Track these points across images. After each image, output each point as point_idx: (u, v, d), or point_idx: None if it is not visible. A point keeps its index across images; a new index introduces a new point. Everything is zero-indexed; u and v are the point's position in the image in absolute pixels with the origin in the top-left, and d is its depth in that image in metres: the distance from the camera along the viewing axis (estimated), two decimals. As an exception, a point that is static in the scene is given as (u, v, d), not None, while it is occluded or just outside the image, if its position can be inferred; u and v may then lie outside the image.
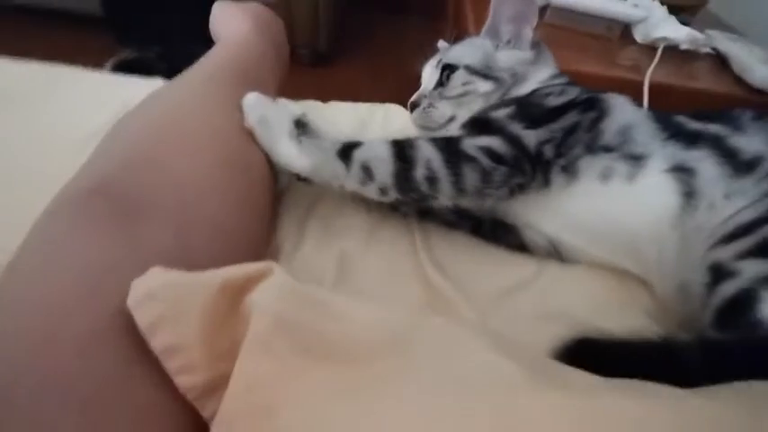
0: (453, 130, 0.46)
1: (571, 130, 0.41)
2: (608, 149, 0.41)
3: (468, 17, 0.82)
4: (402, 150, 0.37)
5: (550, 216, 0.43)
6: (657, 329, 0.37)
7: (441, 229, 0.45)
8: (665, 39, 0.77)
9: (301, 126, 0.39)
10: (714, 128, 0.41)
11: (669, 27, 0.78)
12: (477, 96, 0.47)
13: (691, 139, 0.40)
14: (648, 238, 0.40)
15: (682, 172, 0.39)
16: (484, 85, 0.47)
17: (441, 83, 0.49)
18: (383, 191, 0.37)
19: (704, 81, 0.73)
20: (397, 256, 0.41)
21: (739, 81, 0.74)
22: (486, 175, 0.37)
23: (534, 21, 0.48)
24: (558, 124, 0.42)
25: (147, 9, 0.95)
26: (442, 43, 0.56)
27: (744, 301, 0.31)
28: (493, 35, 0.50)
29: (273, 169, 0.40)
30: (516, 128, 0.41)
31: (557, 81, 0.48)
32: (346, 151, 0.38)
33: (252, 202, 0.36)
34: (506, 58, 0.49)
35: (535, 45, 0.49)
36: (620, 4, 0.80)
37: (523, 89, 0.47)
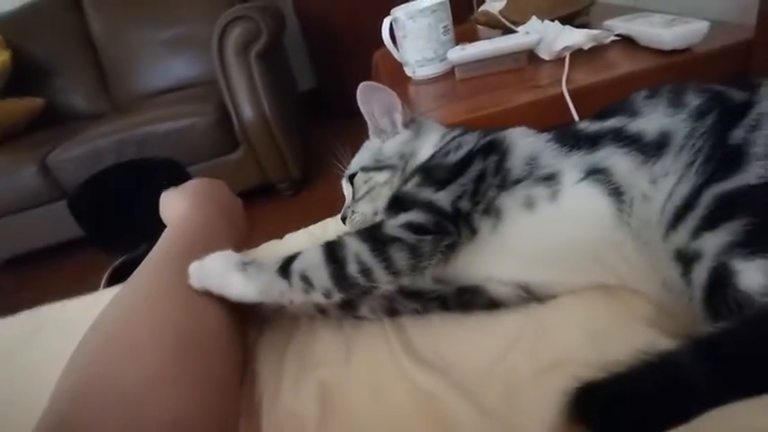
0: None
1: (479, 178, 0.43)
2: (519, 181, 0.41)
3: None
4: (332, 252, 0.39)
5: (499, 261, 0.42)
6: (663, 340, 0.34)
7: (413, 319, 0.44)
8: (567, 47, 0.81)
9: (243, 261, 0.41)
10: (611, 122, 0.41)
11: (567, 36, 0.82)
12: (380, 187, 0.51)
13: (592, 143, 0.40)
14: (603, 246, 0.38)
15: (597, 174, 0.38)
16: (380, 176, 0.52)
17: (354, 194, 0.54)
18: (327, 294, 0.38)
19: (620, 67, 0.75)
20: (377, 369, 0.40)
21: (654, 52, 0.75)
22: (414, 250, 0.38)
23: (399, 106, 0.53)
24: (466, 177, 0.43)
25: (123, 217, 1.02)
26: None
27: (719, 280, 0.29)
28: (377, 132, 0.56)
29: (235, 332, 0.41)
30: (427, 194, 0.42)
31: (450, 137, 0.50)
32: (285, 267, 0.39)
33: (210, 377, 0.36)
34: (390, 146, 0.54)
35: (411, 122, 0.54)
36: (512, 37, 0.86)
37: (419, 159, 0.50)
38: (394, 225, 0.39)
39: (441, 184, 0.42)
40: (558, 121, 0.72)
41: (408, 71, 0.97)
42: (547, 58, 0.83)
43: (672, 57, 0.72)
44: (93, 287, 0.86)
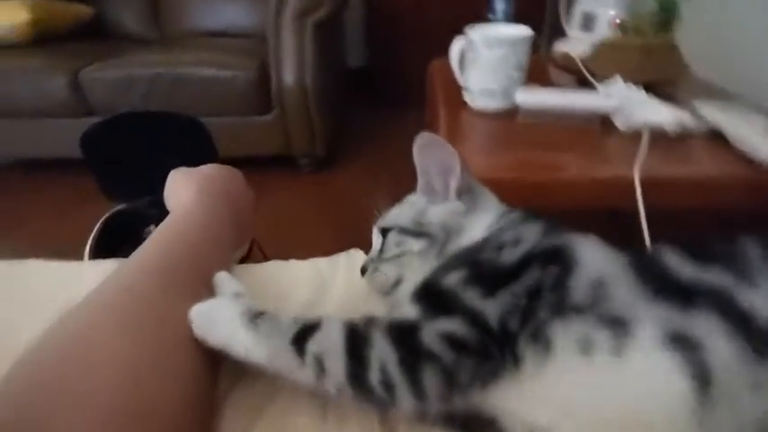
0: (404, 293, 0.42)
1: (534, 292, 0.35)
2: (580, 311, 0.34)
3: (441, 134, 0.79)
4: (355, 344, 0.33)
5: (531, 402, 0.35)
6: None
7: (407, 422, 0.38)
8: (648, 124, 0.72)
9: (253, 312, 0.36)
10: (714, 276, 0.32)
11: (650, 109, 0.73)
12: (413, 256, 0.44)
13: (686, 296, 0.32)
14: (659, 429, 0.31)
15: (682, 344, 0.30)
16: (416, 244, 0.44)
17: (382, 247, 0.47)
18: (339, 389, 0.33)
19: (701, 165, 0.67)
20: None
21: (742, 158, 0.67)
22: (449, 375, 0.32)
23: (458, 170, 0.45)
24: (520, 285, 0.35)
25: (132, 167, 0.97)
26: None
27: None
28: (427, 191, 0.48)
29: (206, 386, 0.36)
30: (473, 298, 0.35)
31: (506, 221, 0.43)
32: (300, 339, 0.34)
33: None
34: (436, 213, 0.46)
35: (467, 192, 0.46)
36: (589, 96, 0.77)
37: (465, 240, 0.43)
38: (432, 333, 0.33)
39: (490, 289, 0.35)
40: (618, 206, 0.65)
41: (467, 97, 0.88)
42: (622, 129, 0.75)
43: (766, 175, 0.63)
44: (88, 217, 0.82)
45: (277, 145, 1.81)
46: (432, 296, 0.37)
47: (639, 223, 0.60)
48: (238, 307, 0.37)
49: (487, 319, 0.34)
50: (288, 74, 1.67)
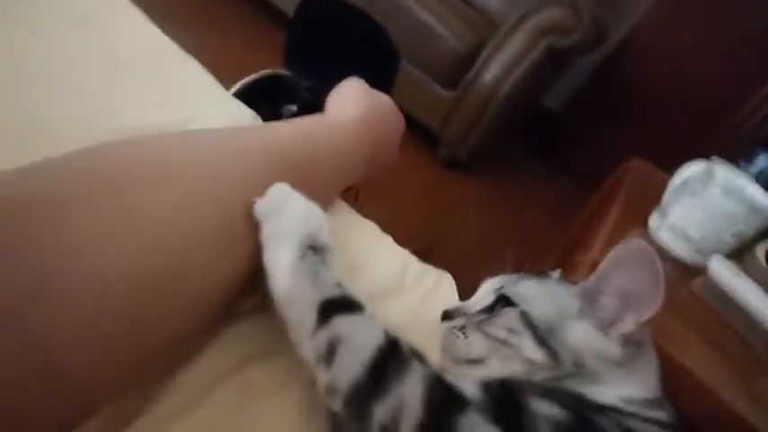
0: (475, 374, 0.34)
1: None
2: None
3: (597, 240, 0.69)
4: (385, 365, 0.27)
5: None
6: None
7: None
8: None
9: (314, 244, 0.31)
10: None
11: None
12: (518, 357, 0.34)
13: None
14: None
15: None
16: (533, 351, 0.34)
17: (488, 310, 0.38)
18: (332, 391, 0.27)
19: None
20: None
21: None
22: None
23: (649, 313, 0.34)
24: None
25: (322, 48, 0.98)
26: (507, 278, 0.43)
27: None
28: (587, 299, 0.36)
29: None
30: None
31: (642, 408, 0.32)
32: (331, 307, 0.28)
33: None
34: (580, 336, 0.35)
35: (634, 345, 0.35)
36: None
37: (588, 389, 0.32)
38: (472, 426, 0.26)
39: None
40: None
41: (655, 231, 0.75)
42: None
43: None
44: (255, 61, 0.80)
45: (432, 119, 1.75)
46: (506, 399, 0.29)
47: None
48: (306, 228, 0.31)
49: None
50: (491, 70, 1.59)
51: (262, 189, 0.32)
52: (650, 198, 0.79)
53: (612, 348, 0.34)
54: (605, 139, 2.07)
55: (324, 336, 0.27)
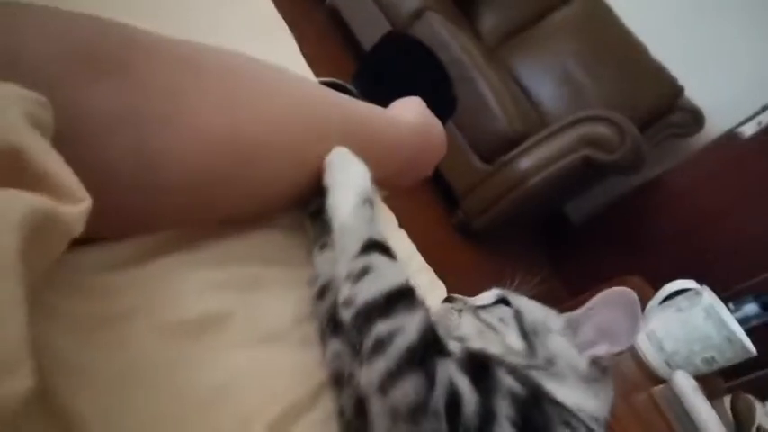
0: (457, 346, 0.38)
1: None
2: None
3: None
4: (399, 295, 0.33)
5: None
6: None
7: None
8: None
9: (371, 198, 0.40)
10: None
11: None
12: (501, 342, 0.40)
13: None
14: None
15: None
16: (514, 339, 0.40)
17: (486, 305, 0.44)
18: (349, 302, 0.33)
19: None
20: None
21: None
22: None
23: (618, 346, 0.39)
24: None
25: (390, 79, 1.07)
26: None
27: None
28: (571, 325, 0.41)
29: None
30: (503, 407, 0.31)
31: (590, 421, 0.36)
32: (373, 245, 0.36)
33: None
34: (557, 346, 0.40)
35: (600, 369, 0.39)
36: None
37: (554, 387, 0.36)
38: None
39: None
40: None
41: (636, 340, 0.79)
42: None
43: None
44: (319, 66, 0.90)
45: (460, 186, 1.83)
46: (479, 363, 0.34)
47: None
48: (367, 185, 0.40)
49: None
50: (529, 159, 1.68)
51: (333, 139, 0.42)
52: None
53: (582, 363, 0.39)
54: (610, 263, 2.11)
55: (360, 262, 0.35)
